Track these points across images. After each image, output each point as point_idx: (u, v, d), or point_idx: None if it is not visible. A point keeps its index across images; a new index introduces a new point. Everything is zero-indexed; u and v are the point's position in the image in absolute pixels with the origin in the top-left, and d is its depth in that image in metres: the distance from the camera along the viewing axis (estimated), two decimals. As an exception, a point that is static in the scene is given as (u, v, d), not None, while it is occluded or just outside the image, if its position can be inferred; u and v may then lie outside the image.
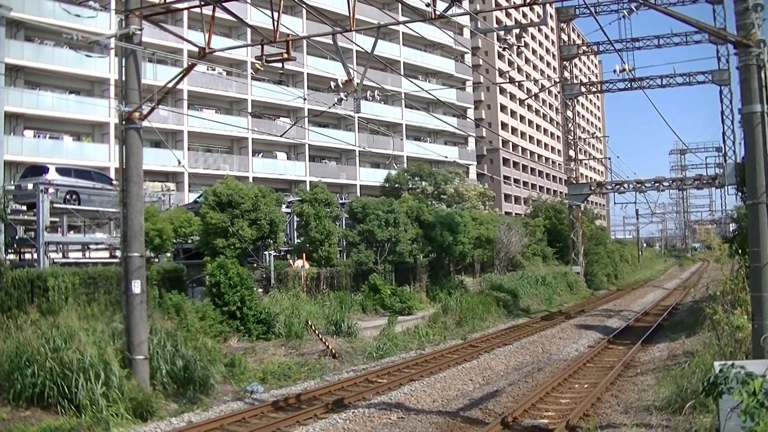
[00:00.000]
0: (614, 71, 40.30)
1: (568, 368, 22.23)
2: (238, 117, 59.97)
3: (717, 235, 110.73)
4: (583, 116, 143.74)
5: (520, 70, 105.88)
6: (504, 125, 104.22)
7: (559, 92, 77.29)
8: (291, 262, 33.23)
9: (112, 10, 31.69)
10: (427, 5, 16.03)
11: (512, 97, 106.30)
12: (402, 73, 65.59)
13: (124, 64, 17.79)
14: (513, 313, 38.43)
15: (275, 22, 16.75)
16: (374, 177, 68.72)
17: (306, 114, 59.10)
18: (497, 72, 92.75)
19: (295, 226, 35.90)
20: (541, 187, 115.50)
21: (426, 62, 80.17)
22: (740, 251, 21.19)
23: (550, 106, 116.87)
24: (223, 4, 17.64)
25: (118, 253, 25.53)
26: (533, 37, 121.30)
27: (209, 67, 55.06)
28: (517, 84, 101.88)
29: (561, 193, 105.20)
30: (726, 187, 55.29)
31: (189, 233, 29.58)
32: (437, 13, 16.14)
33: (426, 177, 62.99)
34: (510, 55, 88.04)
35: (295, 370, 21.83)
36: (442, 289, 38.61)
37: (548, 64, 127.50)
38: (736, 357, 14.57)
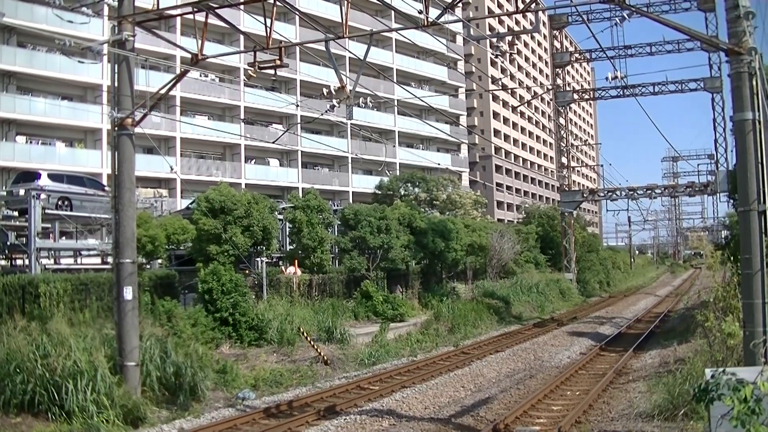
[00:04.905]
0: (606, 78, 40.46)
1: (560, 375, 22.24)
2: (230, 123, 60.02)
3: (709, 243, 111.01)
4: (575, 123, 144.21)
5: (512, 77, 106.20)
6: (496, 132, 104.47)
7: (551, 99, 77.58)
8: (283, 269, 33.18)
9: (105, 17, 31.64)
10: (420, 12, 16.06)
11: (505, 104, 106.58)
12: (395, 80, 65.73)
13: (116, 71, 17.76)
14: (505, 320, 38.42)
15: (268, 29, 16.75)
16: (367, 184, 68.75)
17: (299, 120, 59.12)
18: (490, 79, 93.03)
19: (287, 233, 35.86)
20: (533, 194, 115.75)
21: (419, 69, 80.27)
22: (732, 258, 21.31)
23: (543, 113, 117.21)
24: (216, 10, 17.65)
25: (109, 260, 25.47)
26: (526, 45, 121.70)
27: (202, 74, 55.34)
28: (509, 91, 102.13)
29: (553, 200, 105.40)
30: (718, 195, 55.53)
31: (182, 240, 29.53)
32: (430, 20, 16.17)
33: (418, 183, 63.02)
34: (502, 62, 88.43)
35: (286, 376, 21.77)
36: (435, 295, 38.57)
37: (541, 72, 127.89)
38: (727, 364, 14.58)
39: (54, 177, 31.21)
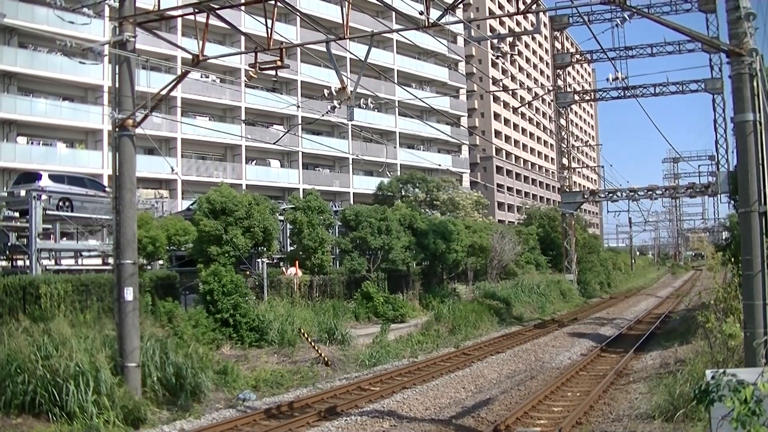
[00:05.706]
0: (607, 79, 40.39)
1: (561, 376, 22.23)
2: (231, 124, 60.01)
3: (710, 244, 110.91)
4: (576, 124, 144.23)
5: (513, 78, 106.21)
6: (497, 133, 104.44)
7: (552, 100, 77.54)
8: (284, 270, 33.17)
9: (106, 17, 31.63)
10: (421, 13, 16.06)
11: (506, 105, 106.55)
12: (396, 81, 65.72)
13: (117, 71, 17.76)
14: (506, 321, 38.39)
15: (269, 30, 16.76)
16: (367, 185, 68.74)
17: (299, 121, 59.11)
18: (491, 80, 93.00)
19: (288, 234, 35.83)
20: (534, 195, 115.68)
21: (419, 70, 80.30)
22: (733, 260, 21.32)
23: (544, 114, 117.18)
24: (217, 11, 17.66)
25: (110, 261, 25.47)
26: (527, 46, 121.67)
27: (203, 75, 55.32)
28: (510, 92, 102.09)
29: (554, 201, 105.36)
30: (719, 196, 55.35)
31: (183, 241, 29.55)
32: (431, 21, 16.17)
33: (418, 184, 63.00)
34: (503, 63, 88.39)
35: (287, 377, 21.78)
36: (435, 296, 38.56)
37: (542, 73, 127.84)
38: (728, 365, 14.58)
39: (55, 178, 31.20)
